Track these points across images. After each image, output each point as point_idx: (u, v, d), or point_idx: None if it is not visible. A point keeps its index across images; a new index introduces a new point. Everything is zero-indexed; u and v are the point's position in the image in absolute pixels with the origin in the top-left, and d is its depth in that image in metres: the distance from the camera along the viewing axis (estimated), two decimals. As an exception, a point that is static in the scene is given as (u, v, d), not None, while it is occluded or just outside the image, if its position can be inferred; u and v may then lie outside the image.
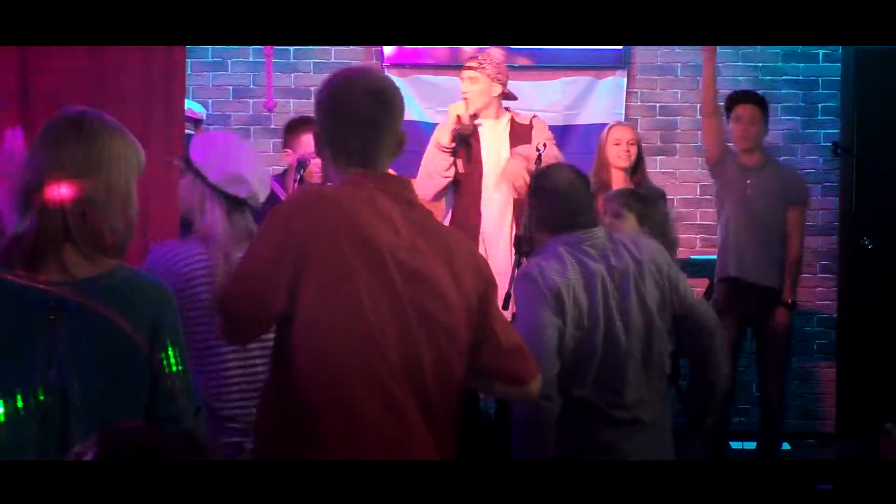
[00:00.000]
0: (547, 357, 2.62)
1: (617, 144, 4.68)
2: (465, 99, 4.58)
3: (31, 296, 1.89)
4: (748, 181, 4.75)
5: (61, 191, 1.91)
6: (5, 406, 1.87)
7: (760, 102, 4.80)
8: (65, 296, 1.89)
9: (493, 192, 4.54)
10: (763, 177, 4.76)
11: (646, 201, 3.60)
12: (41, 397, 1.88)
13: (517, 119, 4.65)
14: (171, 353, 2.01)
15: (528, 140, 4.55)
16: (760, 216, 4.74)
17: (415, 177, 4.84)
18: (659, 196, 4.29)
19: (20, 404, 1.87)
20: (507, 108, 4.69)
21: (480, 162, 4.56)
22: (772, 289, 4.74)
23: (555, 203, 2.83)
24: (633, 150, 4.69)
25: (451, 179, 4.57)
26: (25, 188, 1.94)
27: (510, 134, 4.59)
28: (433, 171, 4.55)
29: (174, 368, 2.02)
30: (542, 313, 2.67)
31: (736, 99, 4.84)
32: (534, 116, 4.71)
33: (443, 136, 4.53)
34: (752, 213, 4.73)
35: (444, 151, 4.52)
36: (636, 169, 4.69)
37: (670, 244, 3.58)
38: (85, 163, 1.94)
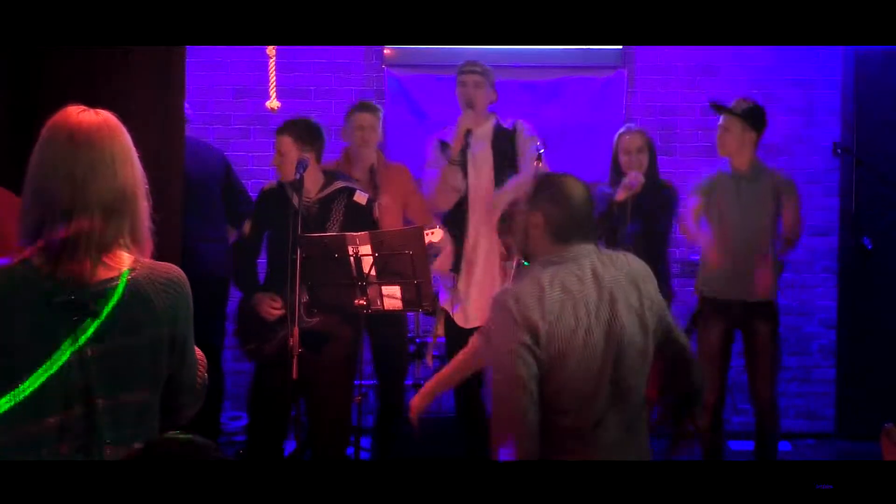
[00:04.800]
0: (520, 402, 2.55)
1: (627, 153, 4.69)
2: (471, 106, 4.53)
3: (55, 299, 1.89)
4: (740, 190, 4.70)
5: (78, 195, 1.91)
6: (27, 404, 1.87)
7: (735, 112, 4.73)
8: (87, 299, 1.90)
9: (478, 200, 4.54)
10: (756, 186, 4.71)
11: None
12: (64, 396, 1.88)
13: (501, 123, 4.63)
14: (185, 346, 2.02)
15: (510, 144, 4.52)
16: (752, 224, 4.69)
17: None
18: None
19: (41, 403, 1.87)
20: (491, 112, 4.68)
21: (466, 169, 4.56)
22: (761, 302, 4.71)
23: (565, 210, 2.72)
24: (644, 157, 4.71)
25: (462, 191, 4.55)
26: (39, 194, 1.93)
27: (492, 139, 4.58)
28: (449, 187, 4.53)
29: (189, 364, 2.03)
30: (516, 351, 2.56)
31: (714, 108, 4.81)
32: (517, 120, 4.68)
33: (453, 150, 4.51)
34: (744, 222, 4.67)
35: (456, 165, 4.51)
36: (647, 174, 4.69)
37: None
38: (99, 165, 1.93)
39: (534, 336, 2.56)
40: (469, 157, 4.55)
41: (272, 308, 4.18)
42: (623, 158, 4.71)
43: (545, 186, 2.79)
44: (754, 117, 4.71)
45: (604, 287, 2.66)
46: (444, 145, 4.62)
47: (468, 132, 4.52)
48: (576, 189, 2.76)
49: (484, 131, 4.60)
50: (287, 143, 4.19)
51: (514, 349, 2.56)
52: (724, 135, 4.73)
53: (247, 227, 4.48)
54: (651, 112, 6.06)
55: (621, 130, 4.88)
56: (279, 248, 4.18)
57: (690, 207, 4.79)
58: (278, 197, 4.24)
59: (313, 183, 4.20)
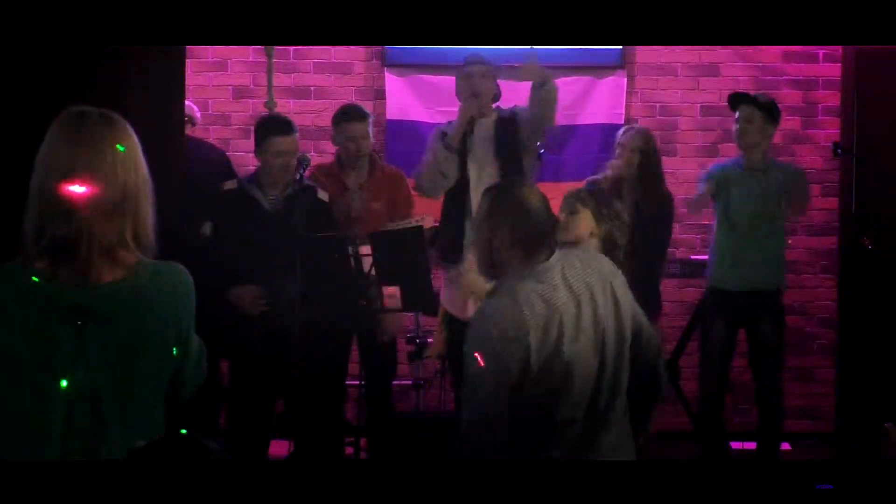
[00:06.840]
0: (492, 415, 2.57)
1: (620, 147, 4.68)
2: (476, 95, 4.51)
3: (57, 302, 1.88)
4: (752, 186, 4.70)
5: (81, 195, 1.90)
6: (31, 409, 1.87)
7: (757, 103, 4.75)
8: (91, 302, 1.89)
9: (480, 193, 4.50)
10: (767, 179, 4.72)
11: (600, 199, 3.52)
12: (69, 400, 1.87)
13: (502, 115, 4.61)
14: (189, 341, 2.02)
15: (513, 133, 4.50)
16: (762, 217, 4.70)
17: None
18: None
19: (46, 407, 1.87)
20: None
21: (466, 162, 4.53)
22: (766, 292, 4.72)
23: (529, 222, 2.67)
24: (635, 157, 4.65)
25: (452, 181, 4.52)
26: (40, 194, 1.92)
27: (496, 133, 4.55)
28: (438, 172, 4.52)
29: (191, 357, 2.04)
30: (496, 370, 2.55)
31: (737, 99, 4.82)
32: (515, 106, 4.63)
33: (453, 137, 4.50)
34: (754, 216, 4.68)
35: (453, 153, 4.49)
36: (641, 178, 4.64)
37: (620, 249, 3.45)
38: (101, 165, 1.92)
39: (520, 359, 2.54)
40: (470, 147, 4.52)
41: (258, 302, 4.20)
42: (616, 150, 4.69)
43: (503, 201, 2.73)
44: (775, 111, 4.74)
45: (579, 292, 2.64)
46: (444, 134, 4.59)
47: (471, 120, 4.49)
48: (533, 197, 2.72)
49: (487, 125, 4.57)
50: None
51: (496, 383, 2.55)
52: (747, 126, 4.69)
53: (206, 227, 4.33)
54: (651, 112, 6.05)
55: (626, 126, 4.86)
56: (249, 246, 4.22)
57: (699, 193, 4.77)
58: (239, 196, 4.33)
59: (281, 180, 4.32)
